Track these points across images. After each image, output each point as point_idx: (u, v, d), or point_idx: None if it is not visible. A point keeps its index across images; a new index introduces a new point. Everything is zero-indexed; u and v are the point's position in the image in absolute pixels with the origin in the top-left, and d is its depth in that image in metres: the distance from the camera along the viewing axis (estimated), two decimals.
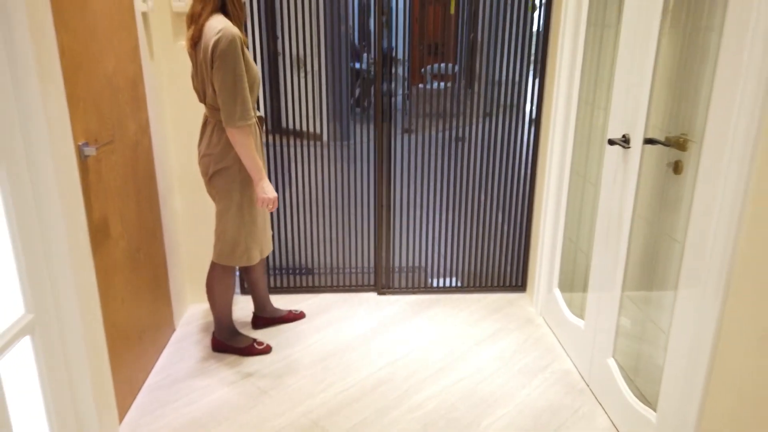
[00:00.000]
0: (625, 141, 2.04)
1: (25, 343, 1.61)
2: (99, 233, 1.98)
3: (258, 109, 2.65)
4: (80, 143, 1.83)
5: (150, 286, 2.48)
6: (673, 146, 1.87)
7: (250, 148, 2.22)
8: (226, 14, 2.20)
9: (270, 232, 2.55)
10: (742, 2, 1.42)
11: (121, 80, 2.18)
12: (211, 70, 2.15)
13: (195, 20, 2.19)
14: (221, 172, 2.30)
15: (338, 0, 2.82)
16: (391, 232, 3.16)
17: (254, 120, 2.25)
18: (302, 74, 2.94)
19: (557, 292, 2.81)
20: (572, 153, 2.65)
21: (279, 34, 2.84)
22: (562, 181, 2.73)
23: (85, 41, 1.88)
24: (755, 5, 1.36)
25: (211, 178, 2.33)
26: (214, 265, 2.48)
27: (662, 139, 1.93)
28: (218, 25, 2.12)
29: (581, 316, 2.53)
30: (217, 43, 2.09)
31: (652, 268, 2.05)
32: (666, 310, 1.92)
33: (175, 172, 2.83)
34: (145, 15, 2.45)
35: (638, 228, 2.08)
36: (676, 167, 1.90)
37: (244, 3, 2.28)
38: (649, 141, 1.96)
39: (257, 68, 2.28)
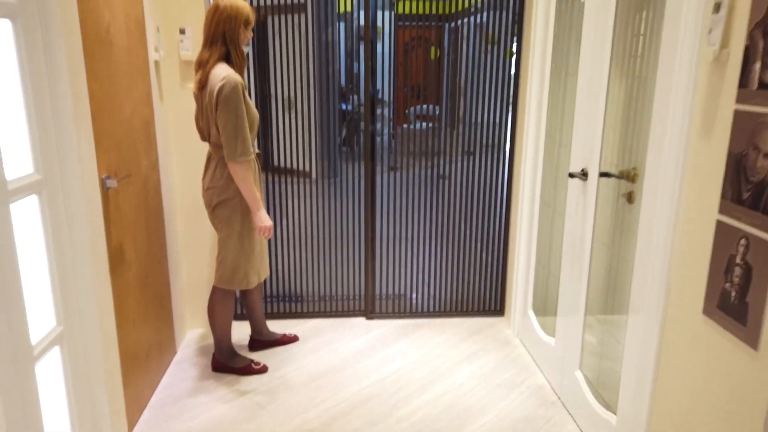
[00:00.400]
0: (583, 174, 2.32)
1: (55, 354, 1.80)
2: (115, 258, 2.19)
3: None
4: (104, 176, 2.06)
5: (156, 310, 2.68)
6: (624, 179, 2.15)
7: (249, 181, 2.46)
8: (230, 63, 2.47)
9: (267, 259, 2.77)
10: (668, 57, 1.72)
11: (136, 121, 2.43)
12: (215, 112, 2.40)
13: (203, 66, 2.45)
14: (224, 203, 2.53)
15: (326, 45, 3.11)
16: (379, 261, 3.39)
17: (253, 156, 2.49)
18: (292, 115, 3.20)
19: (531, 314, 3.05)
20: (541, 186, 2.93)
21: (271, 76, 3.11)
22: (533, 213, 3.00)
23: (108, 87, 2.14)
24: (677, 62, 1.65)
25: (214, 208, 2.56)
26: (215, 290, 2.69)
27: (616, 172, 2.21)
28: (222, 72, 2.38)
29: (554, 335, 2.76)
30: (221, 88, 2.35)
31: (612, 290, 2.30)
32: (624, 325, 2.16)
33: (179, 204, 3.06)
34: (157, 63, 2.72)
35: (598, 253, 2.34)
36: (630, 197, 2.18)
37: (246, 53, 2.55)
38: (604, 174, 2.23)
39: (256, 110, 2.54)
